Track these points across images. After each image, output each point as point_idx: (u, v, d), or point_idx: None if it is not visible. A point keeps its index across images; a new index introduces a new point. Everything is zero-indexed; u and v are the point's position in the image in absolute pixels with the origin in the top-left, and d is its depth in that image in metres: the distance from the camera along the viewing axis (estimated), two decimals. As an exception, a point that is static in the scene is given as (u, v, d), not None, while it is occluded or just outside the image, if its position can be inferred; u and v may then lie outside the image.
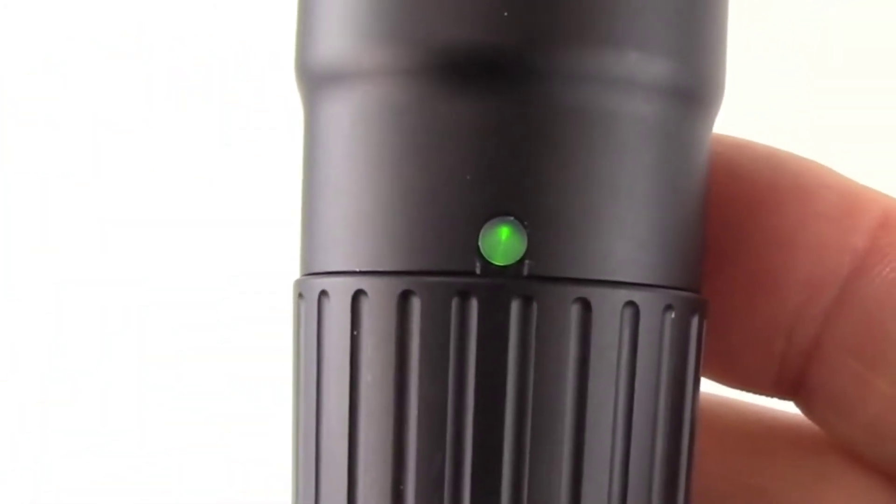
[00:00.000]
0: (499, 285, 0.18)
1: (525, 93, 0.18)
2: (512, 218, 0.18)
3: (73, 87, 0.54)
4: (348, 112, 0.19)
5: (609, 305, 0.19)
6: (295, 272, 0.20)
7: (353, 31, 0.19)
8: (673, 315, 0.19)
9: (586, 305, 0.18)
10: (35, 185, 0.54)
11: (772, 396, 0.23)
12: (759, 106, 0.50)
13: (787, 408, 0.23)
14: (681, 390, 0.20)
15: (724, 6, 0.20)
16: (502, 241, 0.18)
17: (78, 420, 0.54)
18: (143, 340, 0.54)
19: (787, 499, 0.23)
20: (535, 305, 0.18)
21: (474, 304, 0.18)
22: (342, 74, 0.19)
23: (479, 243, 0.18)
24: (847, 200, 0.21)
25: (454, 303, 0.18)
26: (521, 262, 0.18)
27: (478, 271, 0.18)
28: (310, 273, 0.20)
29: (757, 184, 0.21)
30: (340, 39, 0.19)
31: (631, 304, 0.19)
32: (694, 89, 0.19)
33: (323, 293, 0.19)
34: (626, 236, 0.19)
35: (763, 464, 0.23)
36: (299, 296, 0.20)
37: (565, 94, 0.18)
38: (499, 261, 0.18)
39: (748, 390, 0.23)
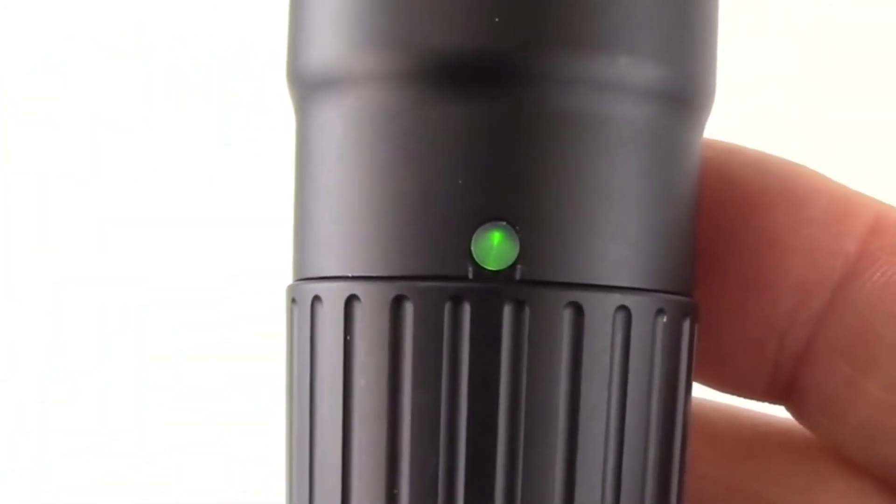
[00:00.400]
0: (491, 290, 0.18)
1: (516, 97, 0.18)
2: (504, 223, 0.18)
3: (73, 87, 0.54)
4: (340, 117, 0.19)
5: (601, 310, 0.19)
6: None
7: (343, 36, 0.19)
8: (665, 319, 0.19)
9: (578, 310, 0.19)
10: (35, 185, 0.54)
11: (763, 401, 0.23)
12: (755, 106, 0.50)
13: (779, 413, 0.23)
14: (673, 394, 0.20)
15: (714, 11, 0.20)
16: (494, 246, 0.18)
17: (78, 420, 0.54)
18: (143, 340, 0.54)
19: (781, 503, 0.23)
20: (527, 310, 0.18)
21: (467, 309, 0.18)
22: (333, 80, 0.19)
23: (472, 248, 0.18)
24: (838, 205, 0.21)
25: (447, 307, 0.18)
26: (513, 266, 0.18)
27: (470, 276, 0.18)
28: (302, 278, 0.20)
29: (748, 188, 0.21)
30: (331, 45, 0.19)
31: (623, 308, 0.19)
32: (684, 93, 0.19)
33: (316, 298, 0.19)
34: (617, 240, 0.19)
35: (756, 468, 0.23)
36: (292, 301, 0.20)
37: (556, 99, 0.18)
38: (491, 265, 0.18)
39: (740, 395, 0.23)
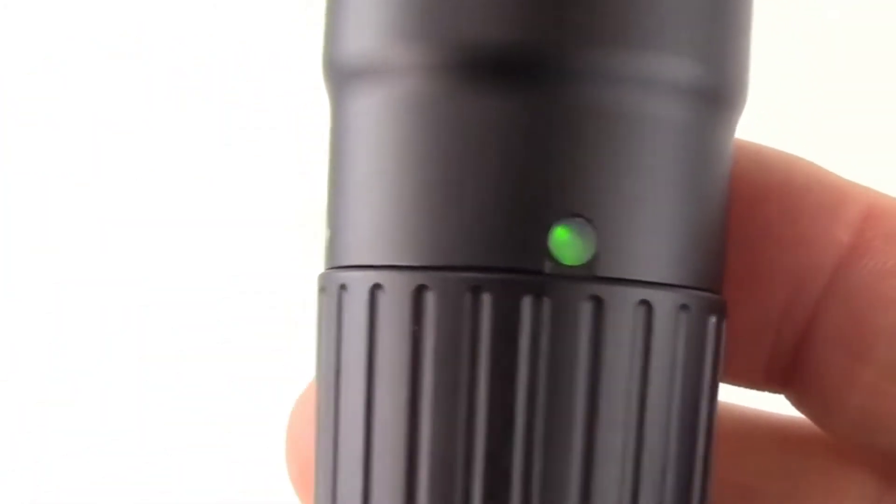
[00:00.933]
0: (571, 285, 0.18)
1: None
2: (581, 218, 0.18)
3: (73, 87, 0.54)
4: (396, 108, 0.19)
5: (667, 307, 0.19)
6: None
7: (400, 26, 0.19)
8: (714, 319, 0.20)
9: (649, 307, 0.19)
10: (35, 185, 0.54)
11: (762, 390, 0.23)
12: (757, 108, 0.50)
13: (774, 405, 0.23)
14: (713, 392, 0.20)
15: (751, 8, 0.20)
16: (572, 242, 0.18)
17: (78, 420, 0.54)
18: (143, 340, 0.54)
19: (775, 497, 0.23)
20: (604, 306, 0.18)
21: (547, 304, 0.18)
22: (376, 69, 0.19)
23: (549, 242, 0.18)
24: (832, 195, 0.22)
25: (526, 302, 0.18)
26: (589, 262, 0.18)
27: (547, 270, 0.18)
28: (355, 266, 0.19)
29: (744, 180, 0.22)
30: (389, 33, 0.19)
31: (685, 307, 0.19)
32: (725, 91, 0.20)
33: (377, 286, 0.19)
34: (678, 237, 0.19)
35: (749, 462, 0.23)
36: (341, 287, 0.19)
37: (615, 95, 0.18)
38: (568, 261, 0.18)
39: (738, 384, 0.23)
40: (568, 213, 0.18)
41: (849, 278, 0.21)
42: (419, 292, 0.18)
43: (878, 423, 0.22)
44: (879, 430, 0.22)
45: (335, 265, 0.20)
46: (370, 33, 0.19)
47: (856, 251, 0.21)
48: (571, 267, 0.18)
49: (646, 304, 0.19)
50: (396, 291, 0.19)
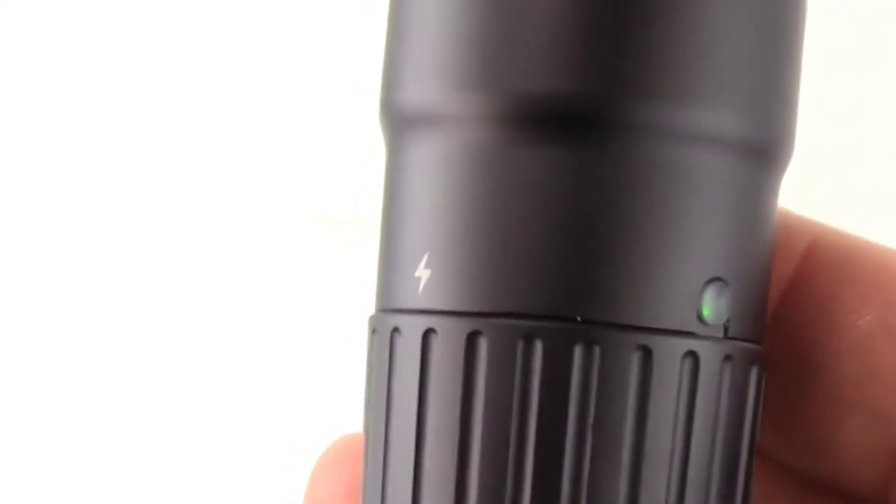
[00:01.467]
0: (716, 345, 0.19)
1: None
2: (722, 280, 0.19)
3: (73, 87, 0.54)
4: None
5: (755, 366, 0.19)
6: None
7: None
8: (766, 373, 0.20)
9: (761, 365, 0.19)
10: (35, 185, 0.54)
11: None
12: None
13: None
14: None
15: (800, 62, 0.20)
16: (716, 303, 0.19)
17: (78, 420, 0.54)
18: (143, 340, 0.54)
19: None
20: (734, 365, 0.19)
21: (700, 364, 0.18)
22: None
23: (701, 304, 0.19)
24: (779, 229, 0.22)
25: (683, 362, 0.18)
26: (725, 323, 0.19)
27: (700, 332, 0.19)
28: (455, 311, 0.19)
29: None
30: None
31: (759, 363, 0.20)
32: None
33: (477, 333, 0.18)
34: (760, 296, 0.19)
35: None
36: (394, 330, 0.19)
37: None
38: (712, 322, 0.19)
39: None
40: (715, 277, 0.19)
41: (792, 310, 0.22)
42: (529, 342, 0.18)
43: (828, 449, 0.22)
44: (830, 455, 0.22)
45: (387, 307, 0.19)
46: (429, 82, 0.19)
47: (798, 283, 0.22)
48: (714, 327, 0.19)
49: (759, 363, 0.19)
50: (503, 341, 0.18)
